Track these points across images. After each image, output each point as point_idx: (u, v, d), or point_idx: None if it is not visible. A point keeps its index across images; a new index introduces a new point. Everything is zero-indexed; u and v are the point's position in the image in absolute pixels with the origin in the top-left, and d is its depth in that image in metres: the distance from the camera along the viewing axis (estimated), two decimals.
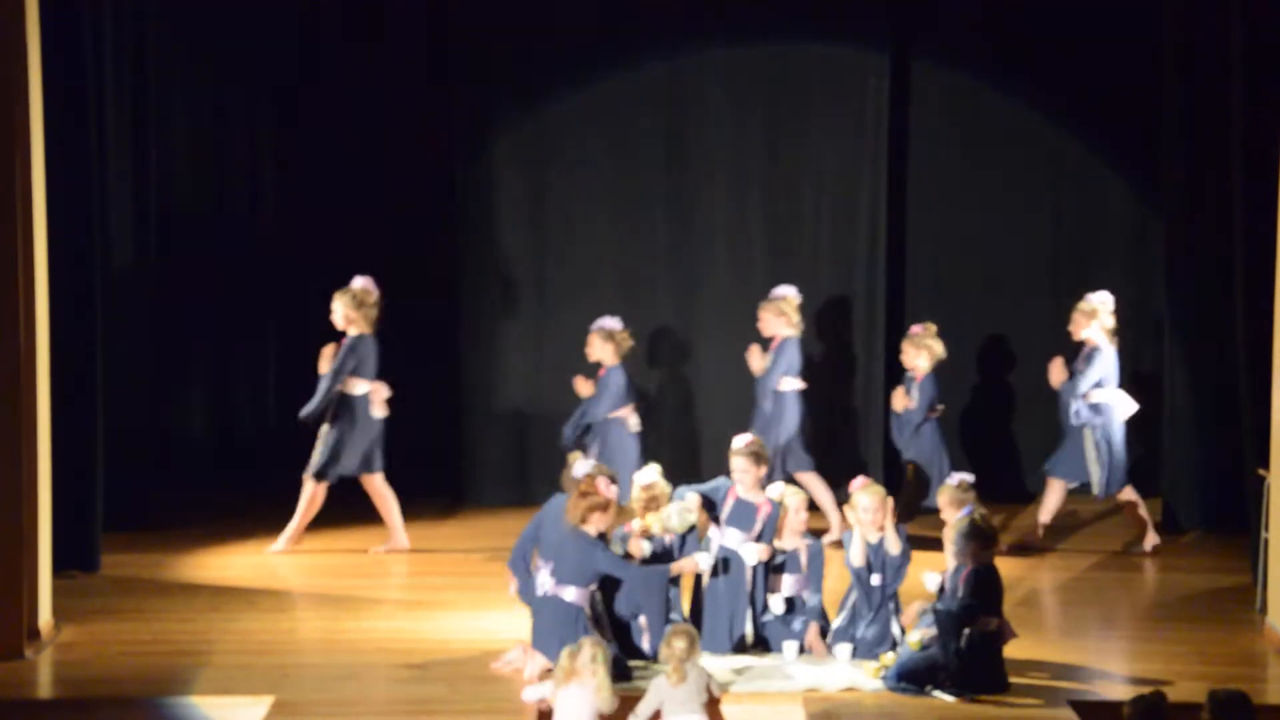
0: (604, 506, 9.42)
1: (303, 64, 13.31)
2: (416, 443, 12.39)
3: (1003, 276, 13.38)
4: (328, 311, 12.00)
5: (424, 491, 12.62)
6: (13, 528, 9.55)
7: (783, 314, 12.01)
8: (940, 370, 12.09)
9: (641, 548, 9.72)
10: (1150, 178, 13.06)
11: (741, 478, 10.02)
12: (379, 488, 11.71)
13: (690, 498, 9.91)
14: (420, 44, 13.21)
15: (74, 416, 10.77)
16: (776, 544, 9.95)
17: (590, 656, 8.33)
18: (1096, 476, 11.82)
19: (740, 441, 10.14)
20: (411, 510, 12.06)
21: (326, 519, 12.07)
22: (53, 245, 9.98)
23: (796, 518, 9.97)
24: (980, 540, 9.26)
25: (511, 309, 13.34)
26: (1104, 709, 8.76)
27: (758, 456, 10.03)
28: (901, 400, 12.03)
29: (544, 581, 9.40)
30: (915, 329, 12.11)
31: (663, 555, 9.78)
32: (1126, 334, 13.28)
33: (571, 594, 9.34)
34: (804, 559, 9.94)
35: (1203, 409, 12.49)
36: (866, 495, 9.79)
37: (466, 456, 13.31)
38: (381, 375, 11.68)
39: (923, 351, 11.99)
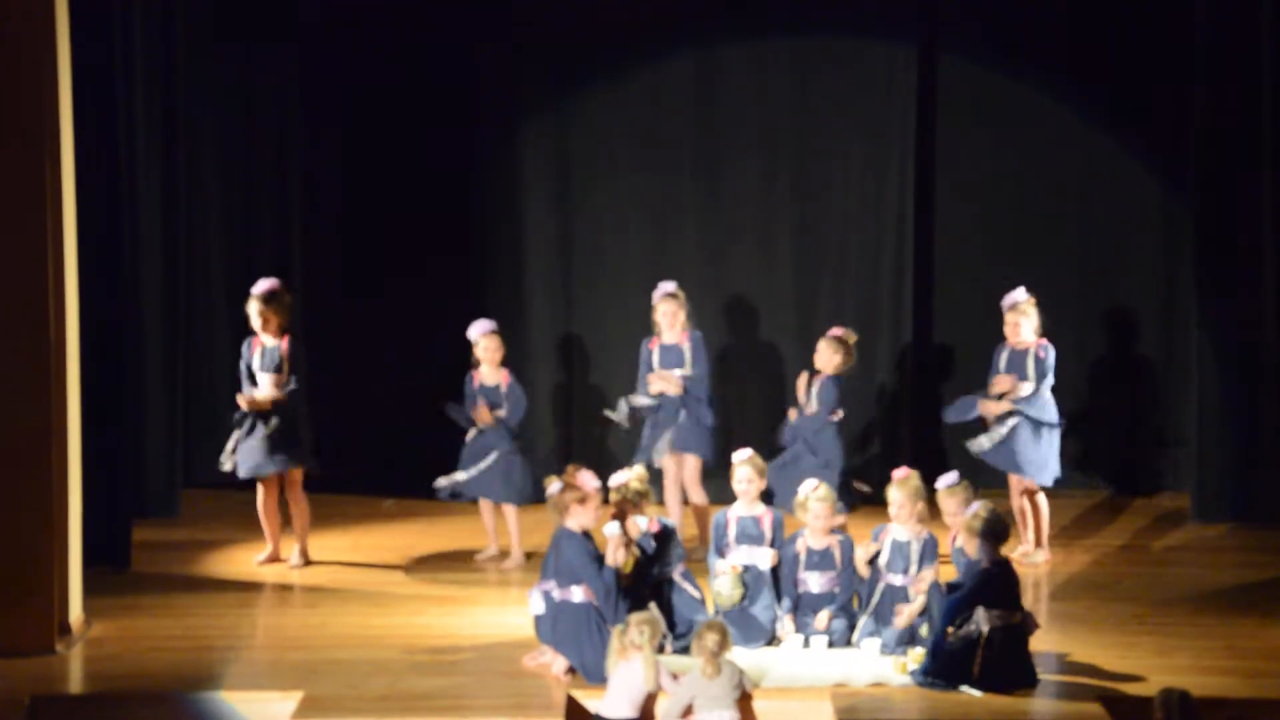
0: (582, 499, 9.42)
1: (327, 59, 13.30)
2: (444, 439, 12.39)
3: (1030, 271, 13.29)
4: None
5: None
6: (44, 524, 9.58)
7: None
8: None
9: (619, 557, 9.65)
10: (1180, 172, 13.00)
11: (748, 489, 10.11)
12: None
13: (728, 568, 9.89)
14: (448, 37, 13.21)
15: (104, 413, 10.82)
16: (811, 544, 9.98)
17: (637, 634, 8.40)
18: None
19: (744, 455, 10.22)
20: (442, 506, 12.06)
21: (356, 516, 12.09)
22: (82, 241, 10.01)
23: (827, 519, 9.97)
24: (996, 536, 9.24)
25: (538, 303, 13.34)
26: (1133, 704, 8.75)
27: (762, 471, 10.17)
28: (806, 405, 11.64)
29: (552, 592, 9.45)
30: (837, 331, 11.70)
31: (645, 564, 9.76)
32: (1157, 327, 13.29)
33: (578, 594, 9.35)
34: (837, 555, 9.96)
35: (1233, 402, 12.45)
36: (896, 490, 9.87)
37: None
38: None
39: (838, 354, 11.56)
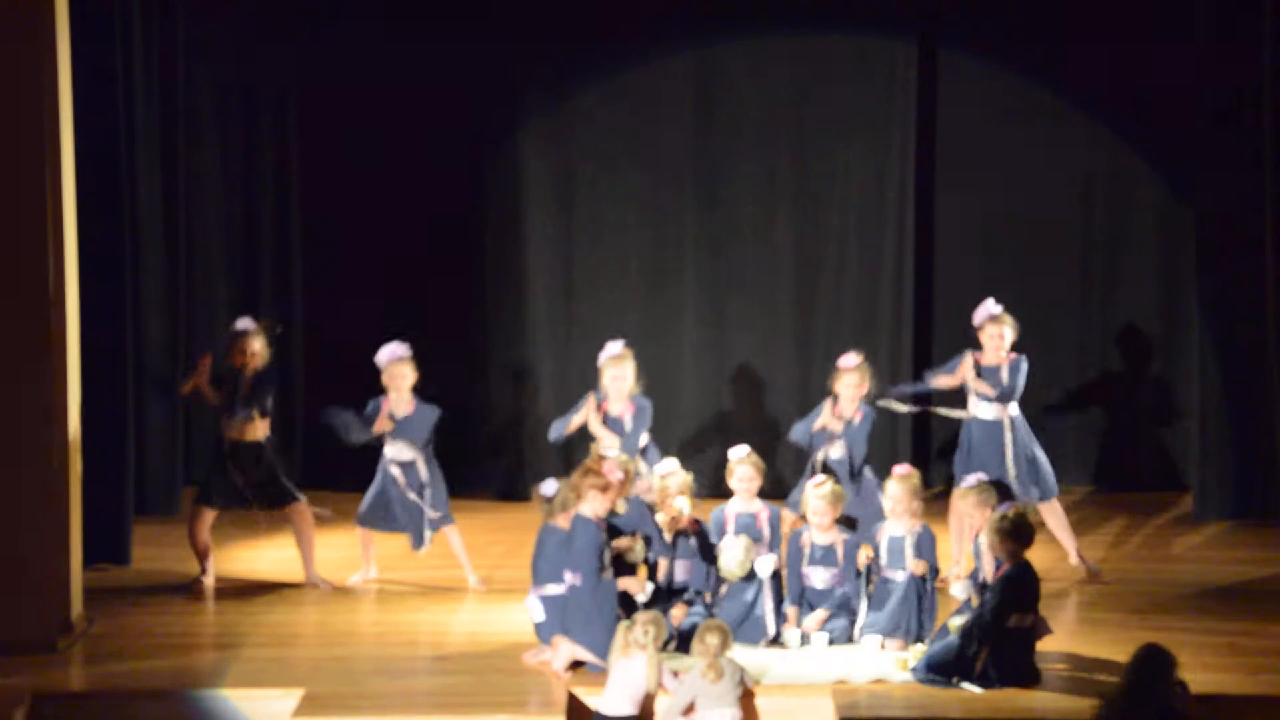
0: (604, 488, 9.44)
1: (327, 58, 13.28)
2: (443, 439, 12.38)
3: (1033, 267, 13.32)
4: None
5: (454, 485, 12.62)
6: (44, 521, 9.59)
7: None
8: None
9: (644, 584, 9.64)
10: (1182, 167, 12.99)
11: (749, 486, 10.12)
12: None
13: (742, 539, 9.87)
14: (447, 35, 13.19)
15: (105, 410, 10.82)
16: (815, 539, 9.97)
17: (641, 633, 8.41)
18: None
19: (741, 452, 10.23)
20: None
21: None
22: (82, 234, 10.00)
23: (831, 513, 9.97)
24: (1020, 539, 9.24)
25: (539, 302, 13.33)
26: None
27: (760, 468, 10.17)
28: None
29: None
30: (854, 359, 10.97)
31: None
32: (1158, 325, 13.29)
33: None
34: (840, 553, 9.96)
35: (1235, 399, 12.45)
36: (896, 485, 9.92)
37: (495, 450, 13.33)
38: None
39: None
